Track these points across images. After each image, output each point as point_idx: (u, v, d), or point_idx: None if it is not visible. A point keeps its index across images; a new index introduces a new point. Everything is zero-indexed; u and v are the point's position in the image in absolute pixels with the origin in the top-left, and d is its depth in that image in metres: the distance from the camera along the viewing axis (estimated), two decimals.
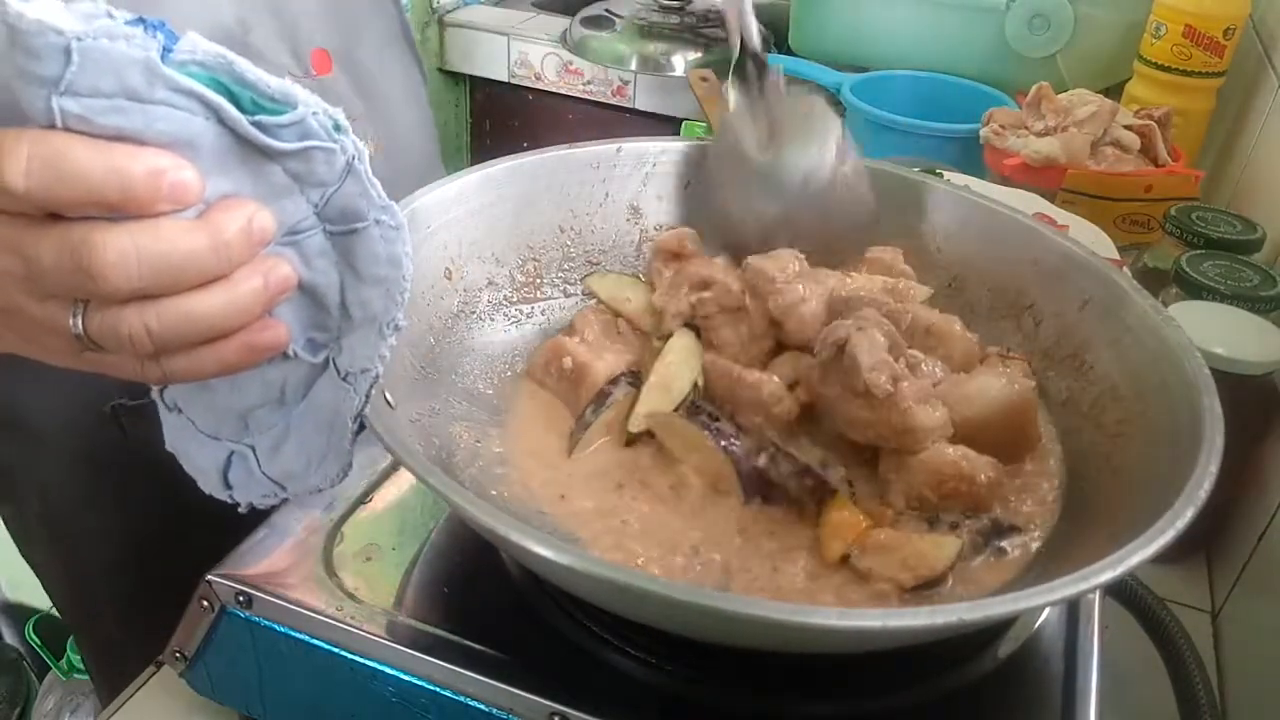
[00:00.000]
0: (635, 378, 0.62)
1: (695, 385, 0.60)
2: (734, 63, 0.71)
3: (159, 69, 0.35)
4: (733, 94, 0.70)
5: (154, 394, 0.45)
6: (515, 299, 0.68)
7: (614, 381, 0.62)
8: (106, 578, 0.84)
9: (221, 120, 0.37)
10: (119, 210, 0.37)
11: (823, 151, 0.68)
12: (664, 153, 0.72)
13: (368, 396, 0.46)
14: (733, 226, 0.69)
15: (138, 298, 0.38)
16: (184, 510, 0.82)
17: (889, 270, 0.68)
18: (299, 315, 0.44)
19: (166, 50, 0.36)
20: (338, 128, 0.40)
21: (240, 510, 0.48)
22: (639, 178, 0.72)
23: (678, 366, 0.61)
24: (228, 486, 0.47)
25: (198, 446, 0.46)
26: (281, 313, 0.43)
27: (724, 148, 0.70)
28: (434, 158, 0.92)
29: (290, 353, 0.44)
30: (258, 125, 0.38)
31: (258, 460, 0.46)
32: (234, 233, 0.39)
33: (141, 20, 0.35)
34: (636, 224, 0.73)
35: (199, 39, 0.37)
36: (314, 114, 0.39)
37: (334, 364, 0.45)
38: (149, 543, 0.82)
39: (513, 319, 0.68)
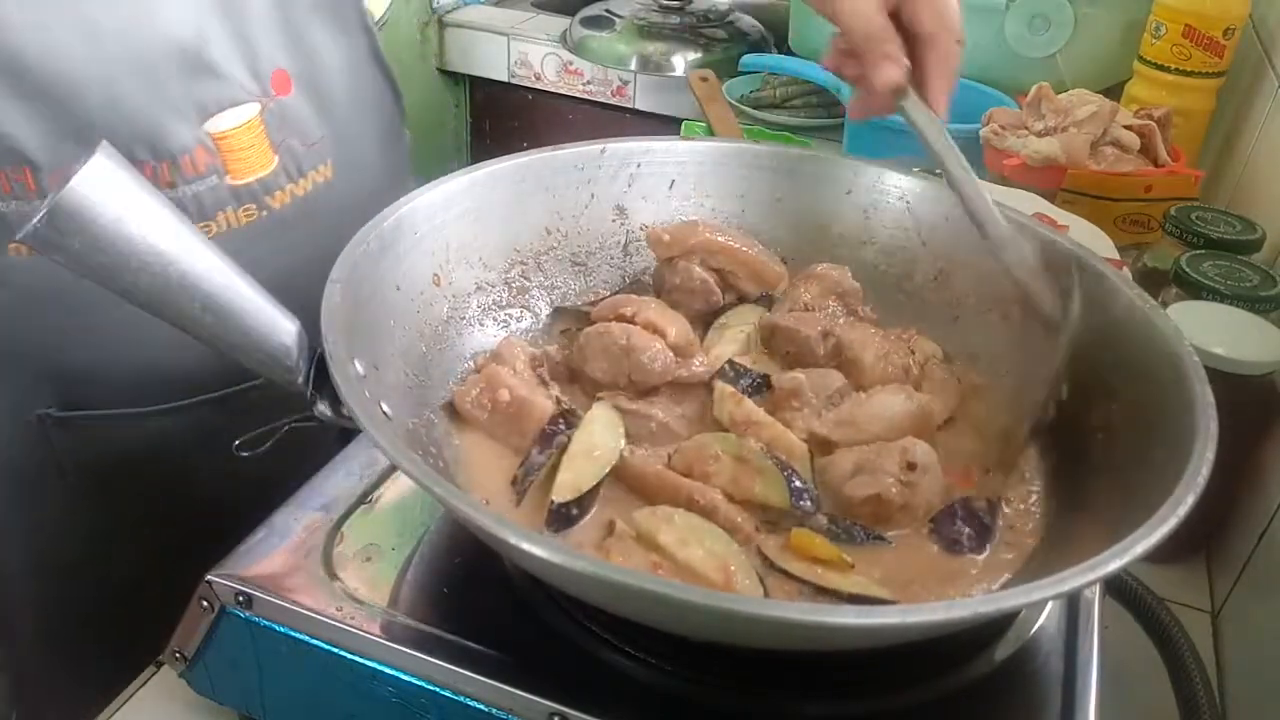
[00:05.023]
0: (571, 418, 0.59)
1: (622, 456, 0.57)
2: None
3: None
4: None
5: None
6: (504, 302, 0.68)
7: (554, 421, 0.58)
8: (22, 591, 0.82)
9: None
10: None
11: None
12: (648, 153, 0.72)
13: None
14: None
15: None
16: (106, 528, 0.80)
17: (836, 287, 0.68)
18: None
19: None
20: None
21: None
22: (624, 178, 0.72)
23: (602, 434, 0.58)
24: None
25: None
26: None
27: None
28: (404, 180, 0.90)
29: None
30: None
31: None
32: None
33: None
34: (622, 225, 0.73)
35: None
36: None
37: None
38: (67, 560, 0.80)
39: (502, 322, 0.68)
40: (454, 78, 1.86)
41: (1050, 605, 0.56)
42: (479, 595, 0.54)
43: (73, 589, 0.81)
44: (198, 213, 0.73)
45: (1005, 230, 0.62)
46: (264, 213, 0.76)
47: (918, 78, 0.62)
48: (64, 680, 0.81)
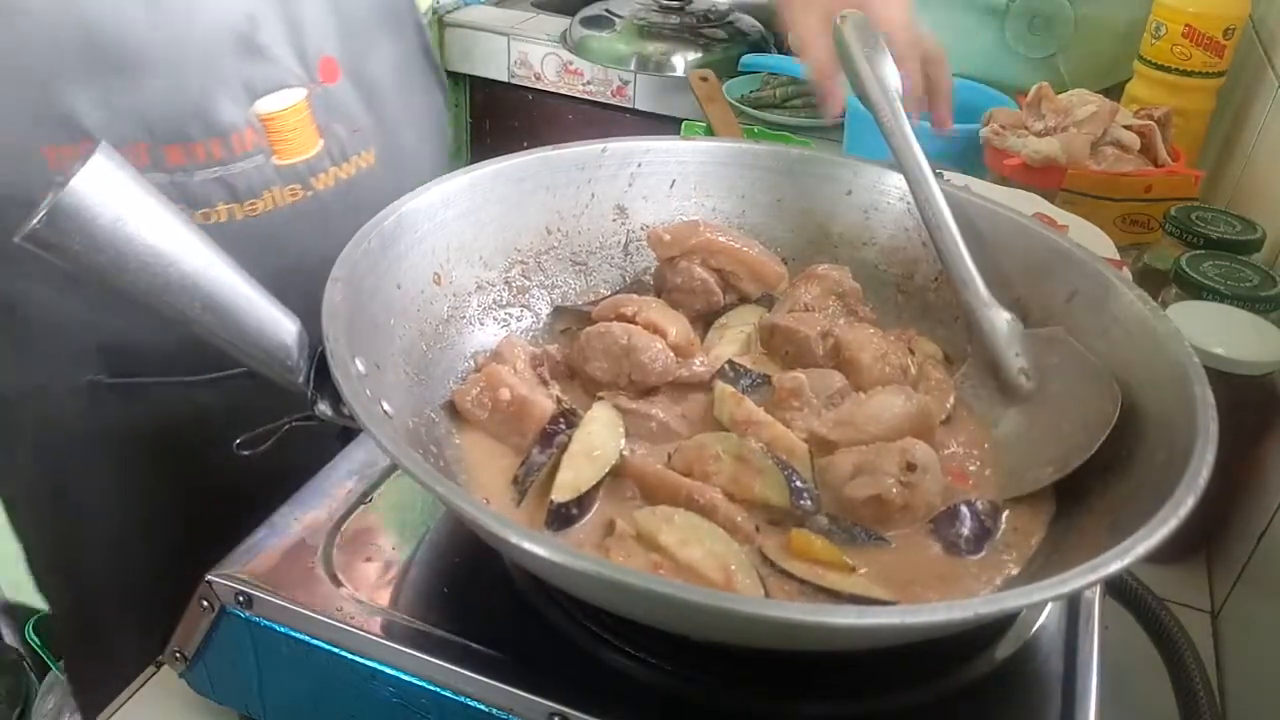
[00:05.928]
0: (572, 418, 0.59)
1: (621, 455, 0.57)
2: None
3: None
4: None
5: None
6: (505, 302, 0.68)
7: (555, 421, 0.58)
8: (85, 548, 0.84)
9: None
10: None
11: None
12: (649, 153, 0.72)
13: None
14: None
15: None
16: (154, 495, 0.82)
17: (837, 287, 0.68)
18: None
19: None
20: None
21: None
22: (625, 178, 0.72)
23: (602, 434, 0.58)
24: None
25: None
26: None
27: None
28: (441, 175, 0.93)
29: None
30: None
31: None
32: None
33: None
34: (623, 224, 0.73)
35: None
36: None
37: None
38: (120, 529, 0.82)
39: (502, 322, 0.68)
40: (454, 78, 1.85)
41: (1050, 605, 0.56)
42: (479, 595, 0.54)
43: (126, 550, 0.83)
44: (246, 190, 0.76)
45: (984, 296, 0.64)
46: (308, 193, 0.79)
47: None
48: (111, 644, 0.82)
